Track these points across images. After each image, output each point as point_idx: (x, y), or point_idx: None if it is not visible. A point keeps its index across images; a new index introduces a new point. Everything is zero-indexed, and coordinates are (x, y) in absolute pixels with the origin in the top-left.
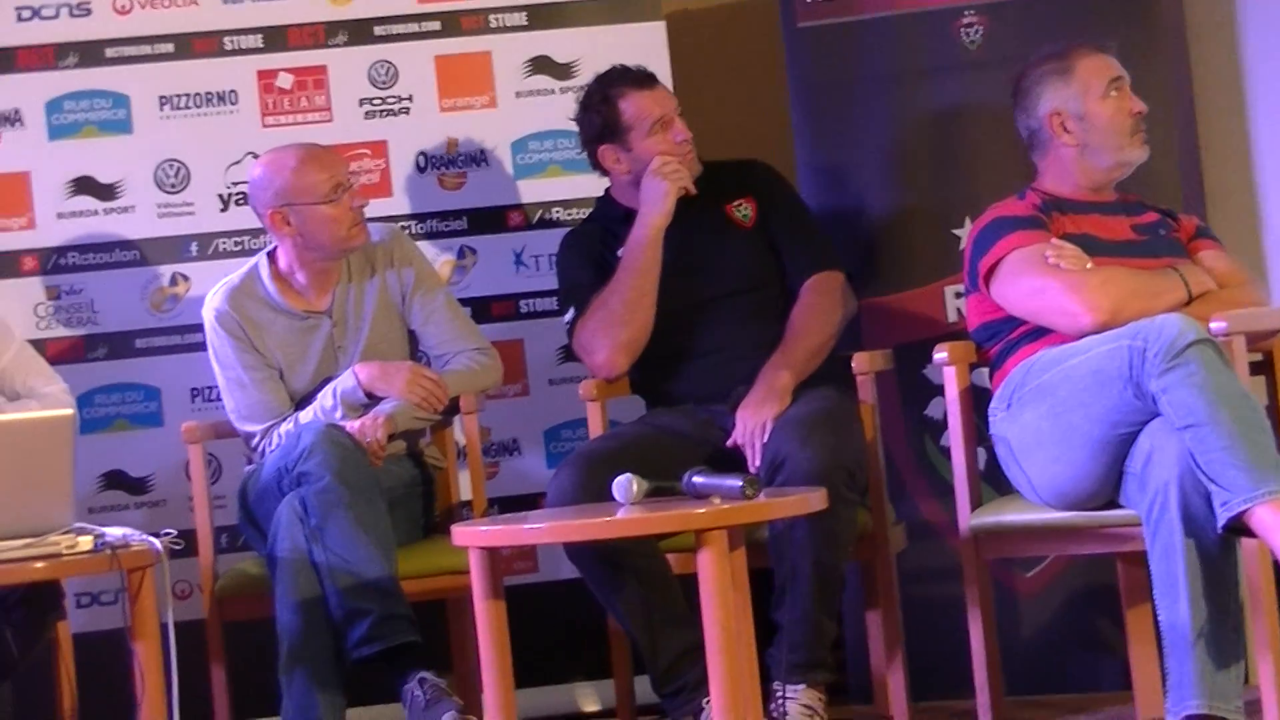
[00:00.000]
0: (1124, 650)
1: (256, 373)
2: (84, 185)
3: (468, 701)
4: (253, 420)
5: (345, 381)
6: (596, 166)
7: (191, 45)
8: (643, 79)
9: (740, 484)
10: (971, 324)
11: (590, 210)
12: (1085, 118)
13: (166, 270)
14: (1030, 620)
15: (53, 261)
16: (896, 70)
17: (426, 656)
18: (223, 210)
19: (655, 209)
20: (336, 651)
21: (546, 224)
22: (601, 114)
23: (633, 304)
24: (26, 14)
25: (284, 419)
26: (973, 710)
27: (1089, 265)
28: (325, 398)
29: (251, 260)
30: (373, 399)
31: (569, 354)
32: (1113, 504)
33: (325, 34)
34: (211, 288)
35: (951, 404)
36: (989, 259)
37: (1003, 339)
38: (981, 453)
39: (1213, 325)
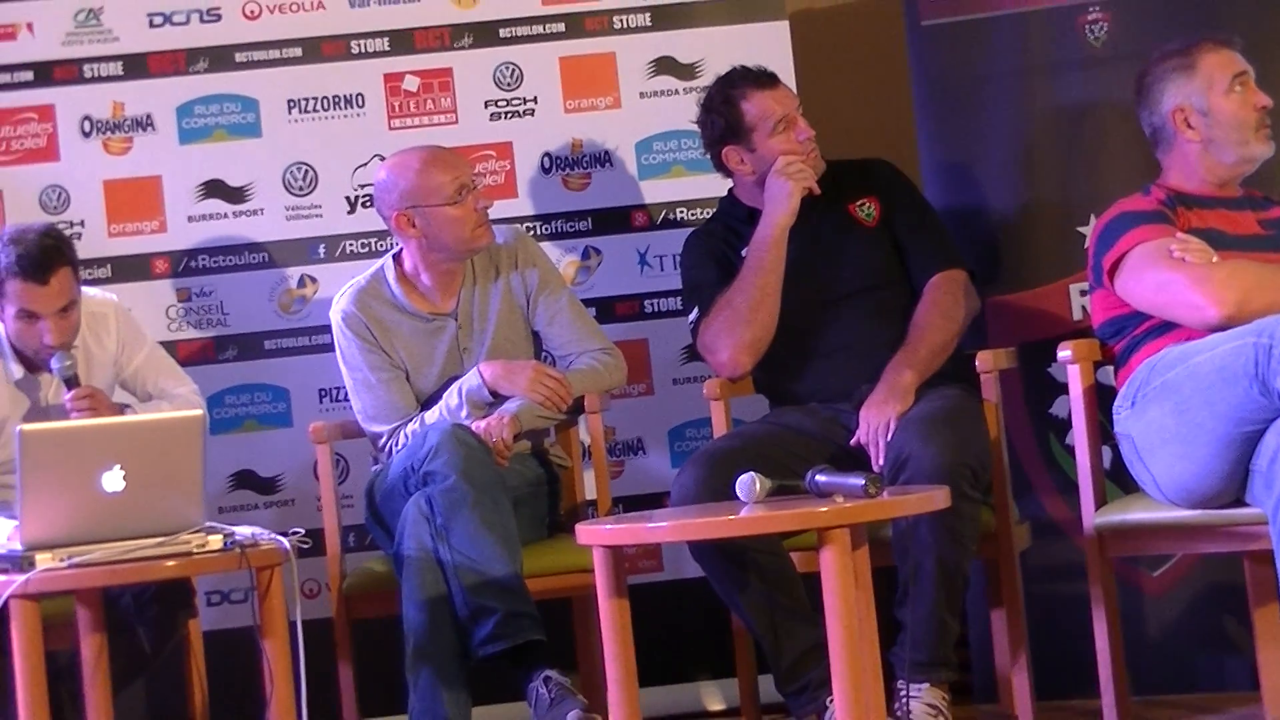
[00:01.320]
0: (1251, 650)
1: (383, 373)
2: (214, 188)
3: (592, 700)
4: (380, 421)
5: (470, 380)
6: (720, 168)
7: (319, 49)
8: (764, 78)
9: (863, 482)
10: (1096, 320)
11: (714, 210)
12: (1209, 113)
13: (295, 272)
14: (1156, 619)
15: (183, 264)
16: (1020, 67)
17: (551, 655)
18: (350, 212)
19: (780, 208)
20: (462, 650)
21: (670, 224)
22: (724, 115)
23: (757, 303)
24: (158, 20)
25: (410, 419)
26: (1098, 710)
27: (1214, 259)
28: (451, 397)
29: (378, 262)
30: (497, 398)
31: (693, 353)
32: (1239, 502)
33: (451, 37)
34: (339, 290)
35: (1076, 402)
36: (1113, 254)
37: (1127, 335)
38: (1106, 451)
39: None
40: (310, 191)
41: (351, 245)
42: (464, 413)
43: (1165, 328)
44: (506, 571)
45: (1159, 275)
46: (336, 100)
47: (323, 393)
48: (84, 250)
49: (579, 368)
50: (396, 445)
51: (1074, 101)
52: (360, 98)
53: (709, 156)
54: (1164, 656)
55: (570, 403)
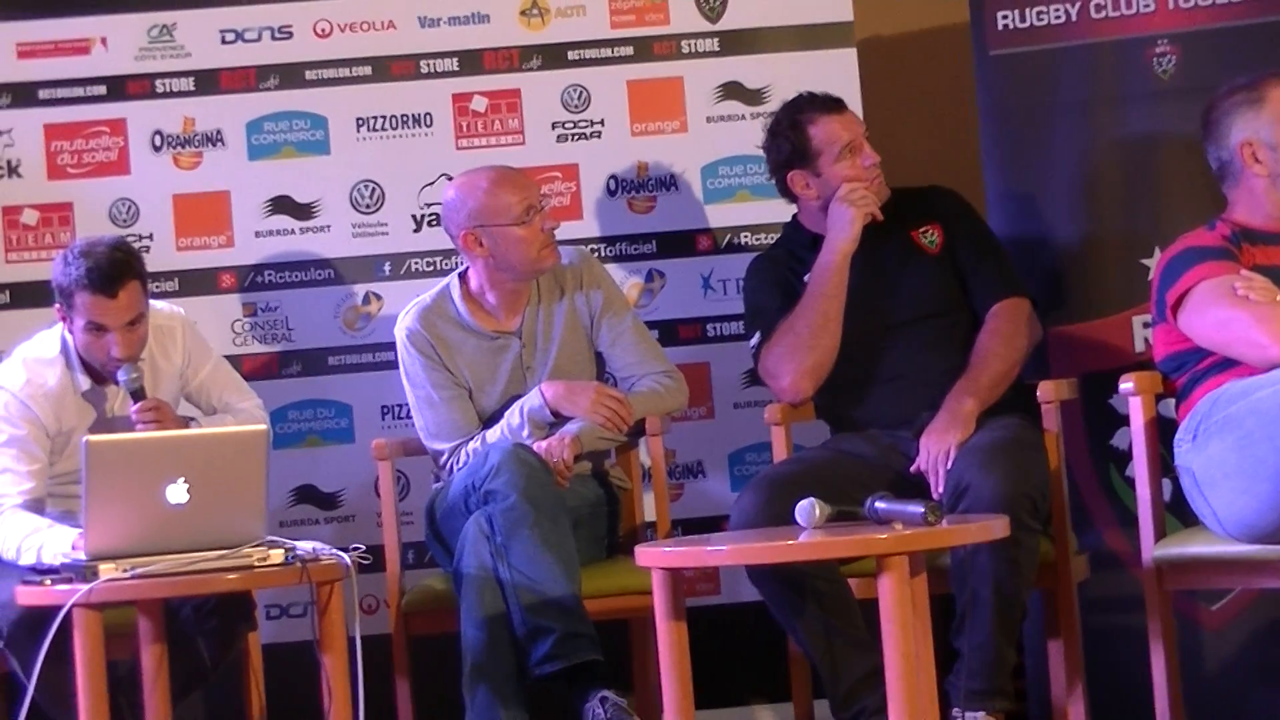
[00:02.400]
0: None
1: (446, 391)
2: (281, 204)
3: None
4: (441, 438)
5: (532, 400)
6: (785, 193)
7: (389, 68)
8: (831, 103)
9: (922, 510)
10: (1158, 354)
11: (778, 235)
12: (1277, 147)
13: (360, 289)
14: (1214, 654)
15: (250, 279)
16: (1087, 98)
17: (608, 675)
18: (416, 231)
19: (842, 235)
20: (519, 668)
21: (735, 248)
22: (790, 139)
23: (819, 329)
24: (230, 36)
25: (472, 437)
26: None
27: (1279, 297)
28: (512, 416)
29: (444, 281)
30: (559, 418)
31: (754, 378)
32: None
33: (519, 58)
34: (403, 307)
35: (1137, 434)
36: (1177, 289)
37: (1190, 370)
38: (1166, 483)
39: None
40: (377, 209)
41: (417, 263)
42: (525, 432)
43: (1228, 364)
44: (565, 591)
45: (1221, 313)
46: (405, 119)
47: (385, 409)
48: (152, 264)
49: (641, 390)
50: (458, 463)
51: (1140, 133)
52: (429, 117)
53: (774, 181)
54: (1221, 691)
55: (631, 425)
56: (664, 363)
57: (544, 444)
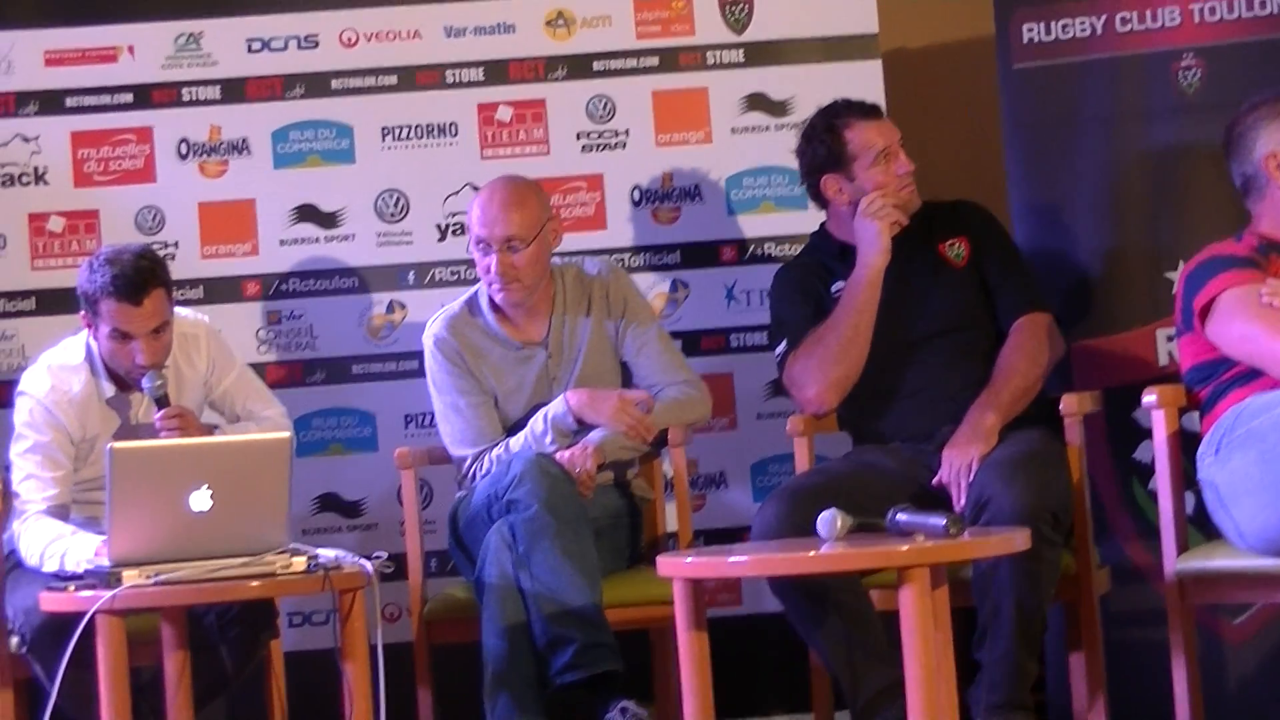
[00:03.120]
0: None
1: (471, 398)
2: (306, 213)
3: None
4: (465, 444)
5: (556, 407)
6: (816, 198)
7: (414, 78)
8: (868, 110)
9: (944, 522)
10: (1184, 365)
11: (803, 246)
12: None
13: (384, 298)
14: (1236, 668)
15: (274, 287)
16: (1112, 112)
17: (629, 685)
18: (440, 240)
19: (872, 249)
20: (540, 678)
21: (759, 259)
22: (826, 143)
23: (848, 342)
24: (256, 45)
25: (495, 444)
26: None
27: None
28: (536, 423)
29: (471, 289)
30: (583, 426)
31: (777, 389)
32: None
33: (545, 69)
34: (427, 316)
35: (1160, 447)
36: (1203, 296)
37: (1214, 381)
38: (1189, 497)
39: None
40: (402, 218)
41: (441, 273)
42: (549, 439)
43: (1253, 375)
44: (586, 601)
45: (1246, 326)
46: (430, 129)
47: (408, 418)
48: (177, 271)
49: (664, 400)
50: (481, 469)
51: (1165, 147)
52: (454, 127)
53: (806, 186)
54: (1242, 705)
55: (654, 434)
56: (688, 373)
57: (566, 453)
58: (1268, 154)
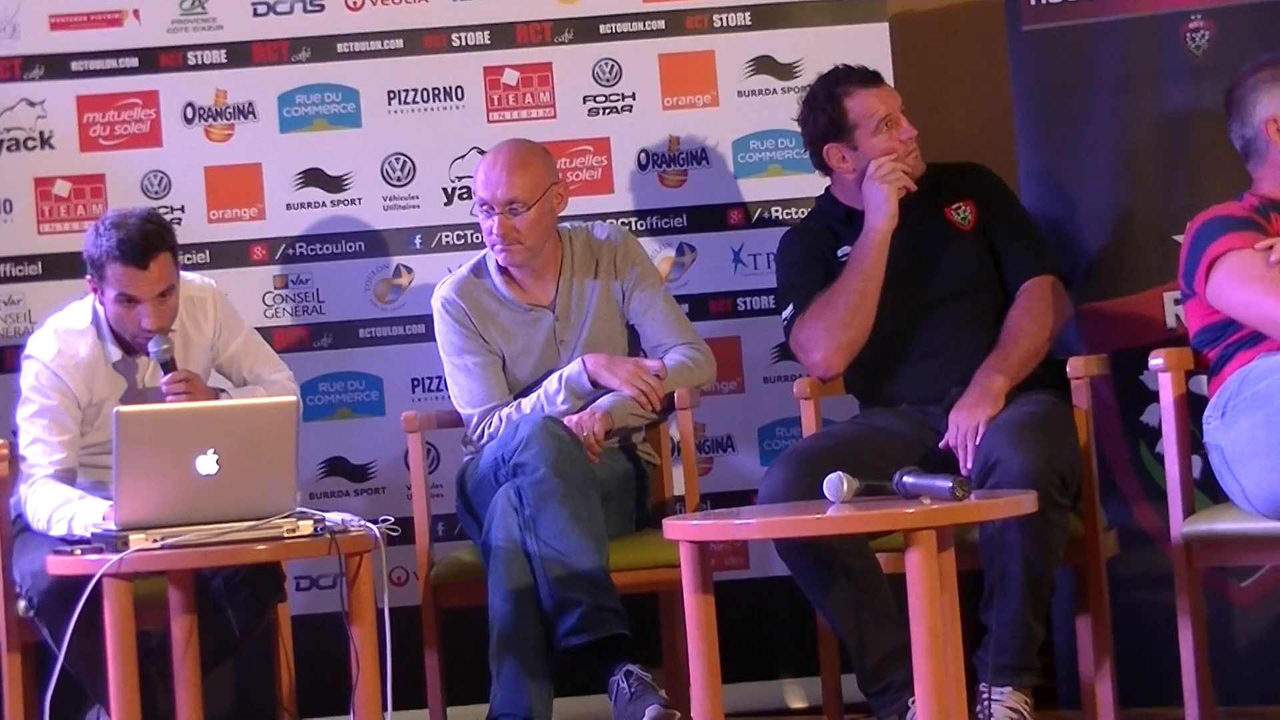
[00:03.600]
0: None
1: (479, 358)
2: (313, 177)
3: (675, 696)
4: (473, 404)
5: (573, 369)
6: (820, 166)
7: (421, 41)
8: (868, 77)
9: (951, 485)
10: (1191, 328)
11: (810, 210)
12: None
13: (391, 261)
14: (1244, 630)
15: (281, 251)
16: (1121, 75)
17: (635, 649)
18: (447, 204)
19: (880, 213)
20: (546, 641)
21: (766, 223)
22: (827, 112)
23: (855, 306)
24: (262, 9)
25: (505, 404)
26: (1182, 719)
27: None
28: (551, 383)
29: (480, 253)
30: (597, 389)
31: (785, 352)
32: None
33: (551, 32)
34: (434, 279)
35: (1166, 410)
36: (1206, 258)
37: (1221, 343)
38: (1196, 460)
39: None
40: (408, 182)
41: (448, 236)
42: (561, 398)
43: (1260, 337)
44: (593, 565)
45: (1247, 293)
46: (436, 92)
47: (415, 382)
48: (183, 236)
49: (670, 362)
50: (489, 427)
51: (1174, 110)
52: (460, 90)
53: (809, 154)
54: (1250, 667)
55: (663, 400)
56: (693, 335)
57: (575, 418)
58: (1268, 118)
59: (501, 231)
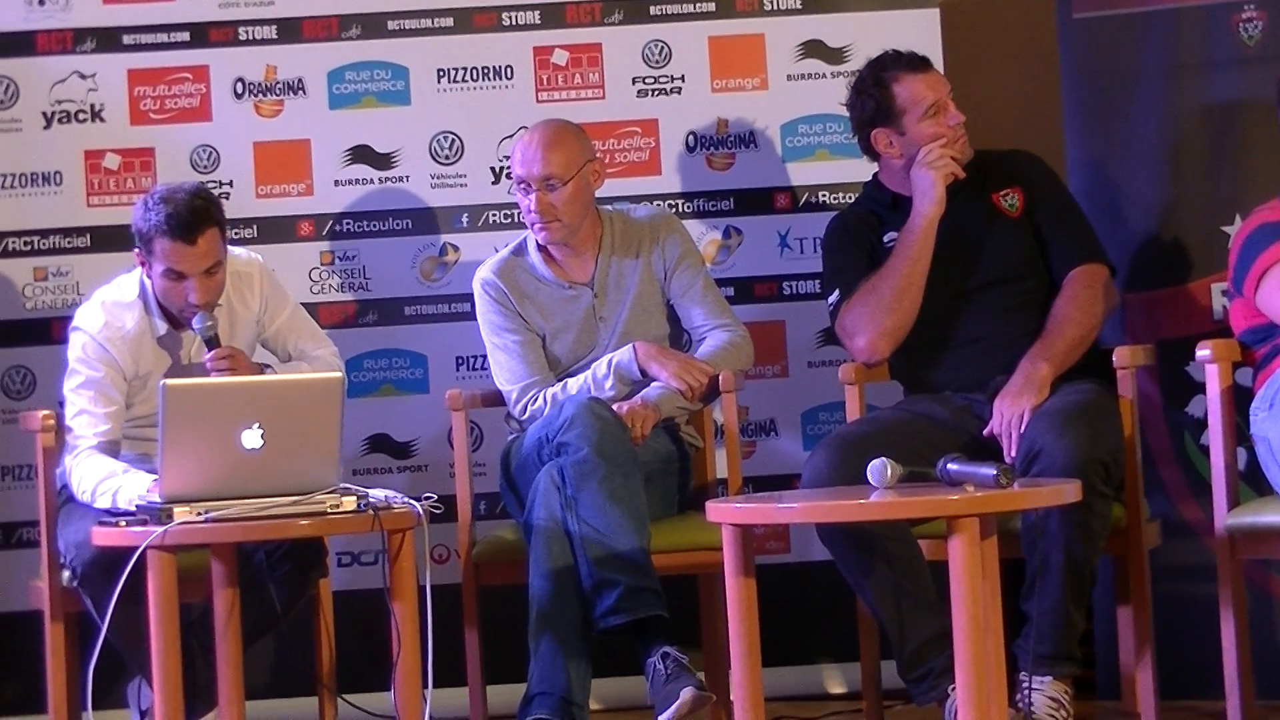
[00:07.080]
0: None
1: (518, 335)
2: (361, 154)
3: (713, 679)
4: (513, 381)
5: (623, 354)
6: (867, 151)
7: (471, 20)
8: (917, 62)
9: (994, 473)
10: (1236, 328)
11: (857, 195)
12: None
13: (438, 240)
14: None
15: (328, 227)
16: (1171, 64)
17: (672, 630)
18: (494, 183)
19: (926, 199)
20: (585, 621)
21: (813, 207)
22: (875, 98)
23: (901, 292)
24: None
25: (550, 384)
26: (1221, 712)
27: None
28: (600, 367)
29: (521, 234)
30: (644, 378)
31: (829, 337)
32: None
33: (601, 13)
34: (480, 258)
35: (1213, 402)
36: (1257, 267)
37: (1270, 342)
38: (1242, 453)
39: None
40: (456, 161)
41: (494, 215)
42: (609, 383)
43: None
44: (633, 545)
45: None
46: (485, 71)
47: (460, 360)
48: (231, 210)
49: (710, 344)
50: (532, 404)
51: (1224, 100)
52: (509, 70)
53: (857, 139)
54: None
55: (706, 389)
56: (731, 318)
57: (624, 405)
58: None
59: (539, 209)
